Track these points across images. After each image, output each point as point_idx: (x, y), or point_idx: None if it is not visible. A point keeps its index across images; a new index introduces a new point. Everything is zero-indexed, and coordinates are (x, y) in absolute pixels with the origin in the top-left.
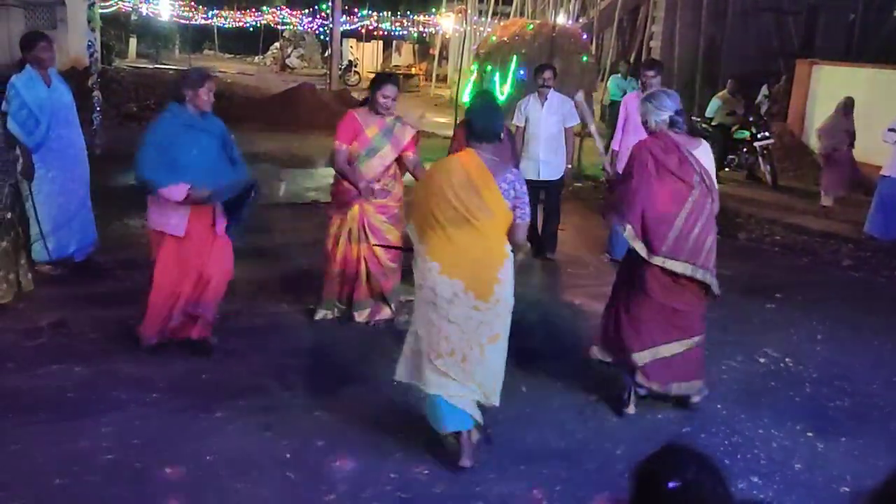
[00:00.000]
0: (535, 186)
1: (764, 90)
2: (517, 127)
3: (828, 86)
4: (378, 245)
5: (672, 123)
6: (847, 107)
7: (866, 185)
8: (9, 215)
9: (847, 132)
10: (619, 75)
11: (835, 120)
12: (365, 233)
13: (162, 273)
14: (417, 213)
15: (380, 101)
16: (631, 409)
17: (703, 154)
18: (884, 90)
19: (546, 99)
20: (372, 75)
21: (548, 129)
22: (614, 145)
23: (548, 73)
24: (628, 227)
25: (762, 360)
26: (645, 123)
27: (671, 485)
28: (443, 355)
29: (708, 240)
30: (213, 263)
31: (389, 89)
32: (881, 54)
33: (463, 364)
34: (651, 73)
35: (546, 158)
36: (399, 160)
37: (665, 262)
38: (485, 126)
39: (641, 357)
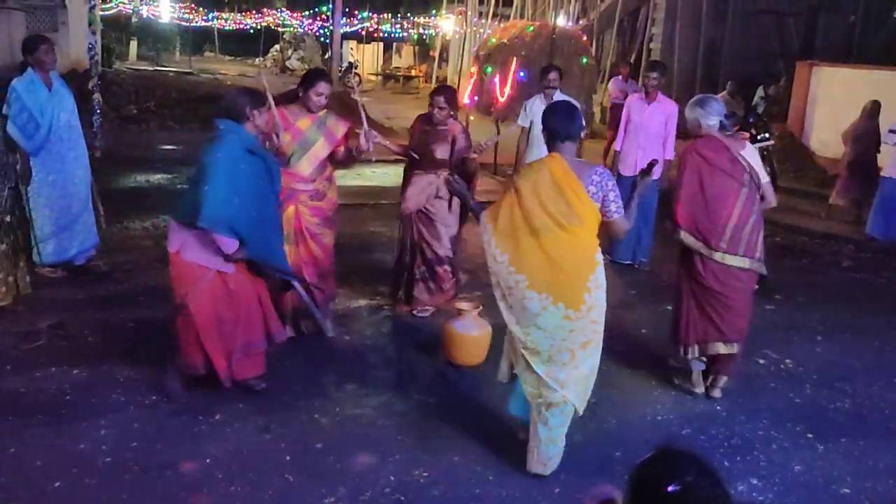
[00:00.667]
0: None
1: (760, 91)
2: (522, 128)
3: (828, 87)
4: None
5: (721, 127)
6: (874, 110)
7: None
8: (8, 218)
9: (873, 137)
10: (620, 77)
11: (863, 124)
12: (303, 235)
13: (204, 313)
14: (504, 221)
15: (313, 99)
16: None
17: (750, 154)
18: (884, 92)
19: (552, 100)
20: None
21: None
22: (616, 146)
23: (553, 75)
24: (682, 233)
25: (762, 362)
26: (697, 127)
27: (670, 488)
28: (533, 355)
29: (759, 234)
30: (263, 294)
31: (323, 86)
32: (881, 56)
33: (550, 366)
34: (654, 74)
35: None
36: (331, 156)
37: (724, 258)
38: (566, 125)
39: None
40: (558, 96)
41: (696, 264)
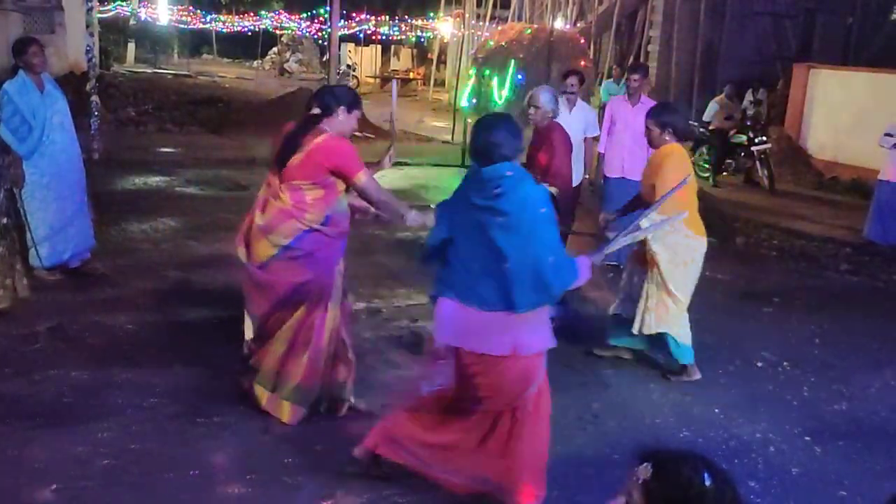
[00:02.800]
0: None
1: (749, 95)
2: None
3: (825, 90)
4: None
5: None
6: None
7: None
8: (3, 221)
9: None
10: (612, 80)
11: None
12: None
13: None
14: (690, 197)
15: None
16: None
17: None
18: (881, 94)
19: (574, 105)
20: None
21: (573, 135)
22: (600, 148)
23: (573, 80)
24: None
25: (760, 364)
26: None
27: (707, 481)
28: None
29: None
30: None
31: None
32: (878, 58)
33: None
34: (636, 76)
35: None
36: None
37: None
38: (688, 126)
39: None
40: (580, 103)
41: None
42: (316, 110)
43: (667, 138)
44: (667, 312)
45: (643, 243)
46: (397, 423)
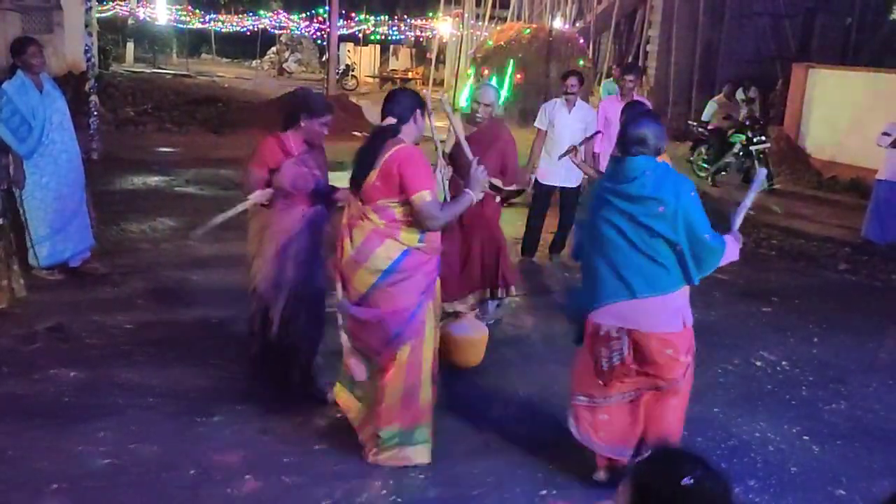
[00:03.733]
0: (550, 191)
1: (740, 94)
2: (538, 130)
3: (823, 89)
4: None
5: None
6: None
7: (863, 189)
8: (1, 221)
9: None
10: (611, 80)
11: None
12: None
13: None
14: None
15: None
16: None
17: None
18: (879, 94)
19: (574, 105)
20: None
21: (572, 135)
22: (596, 148)
23: (573, 80)
24: None
25: (759, 364)
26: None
27: (685, 481)
28: None
29: None
30: None
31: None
32: (877, 58)
33: None
34: (630, 76)
35: (568, 164)
36: None
37: None
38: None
39: None
40: (580, 103)
41: None
42: (391, 120)
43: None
44: None
45: None
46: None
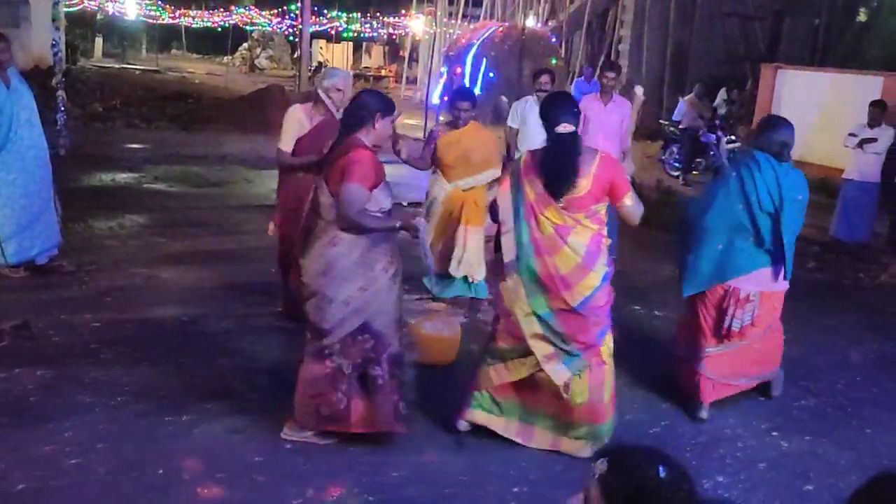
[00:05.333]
0: None
1: (722, 94)
2: (510, 128)
3: (792, 90)
4: None
5: None
6: None
7: (831, 188)
8: None
9: None
10: (583, 79)
11: None
12: None
13: None
14: None
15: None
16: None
17: None
18: (846, 95)
19: None
20: None
21: (543, 133)
22: None
23: (545, 78)
24: None
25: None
26: None
27: (661, 472)
28: None
29: None
30: None
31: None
32: (844, 59)
33: None
34: (612, 74)
35: None
36: None
37: None
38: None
39: None
40: None
41: None
42: (568, 127)
43: None
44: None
45: None
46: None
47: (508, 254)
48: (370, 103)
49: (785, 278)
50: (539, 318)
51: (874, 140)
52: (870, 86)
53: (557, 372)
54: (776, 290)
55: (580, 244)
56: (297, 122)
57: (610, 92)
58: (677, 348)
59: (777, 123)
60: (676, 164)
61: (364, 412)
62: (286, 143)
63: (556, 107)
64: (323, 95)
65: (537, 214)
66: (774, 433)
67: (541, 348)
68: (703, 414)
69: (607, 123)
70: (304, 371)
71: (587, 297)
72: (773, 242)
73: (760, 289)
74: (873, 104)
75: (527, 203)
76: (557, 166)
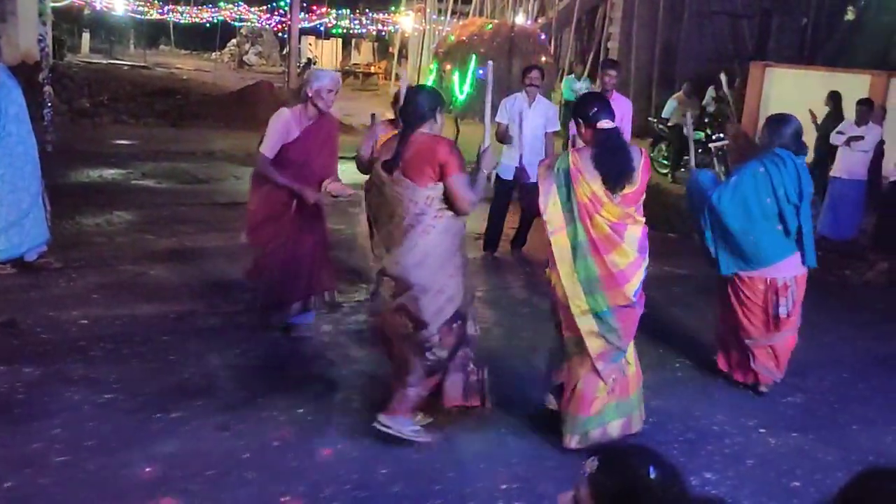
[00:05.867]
0: (511, 186)
1: (711, 92)
2: (499, 124)
3: (780, 88)
4: None
5: None
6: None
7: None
8: None
9: None
10: (573, 76)
11: None
12: None
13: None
14: None
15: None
16: None
17: None
18: None
19: (534, 100)
20: None
21: (533, 130)
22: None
23: (535, 74)
24: None
25: (716, 359)
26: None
27: (651, 472)
28: None
29: None
30: None
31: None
32: (832, 57)
33: None
34: (612, 72)
35: (528, 160)
36: None
37: None
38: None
39: None
40: (540, 98)
41: None
42: (609, 123)
43: None
44: None
45: None
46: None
47: (561, 253)
48: (431, 99)
49: (808, 263)
50: (597, 315)
51: (861, 138)
52: (857, 84)
53: (605, 370)
54: (802, 273)
55: (634, 238)
56: (284, 127)
57: (611, 90)
58: (726, 344)
59: (783, 118)
60: (665, 162)
61: (453, 389)
62: (269, 148)
63: (593, 104)
64: (315, 98)
65: (592, 215)
66: (762, 430)
67: (595, 346)
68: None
69: None
70: (404, 361)
71: (638, 289)
72: (798, 231)
73: (794, 274)
74: (860, 102)
75: (580, 203)
76: (617, 161)
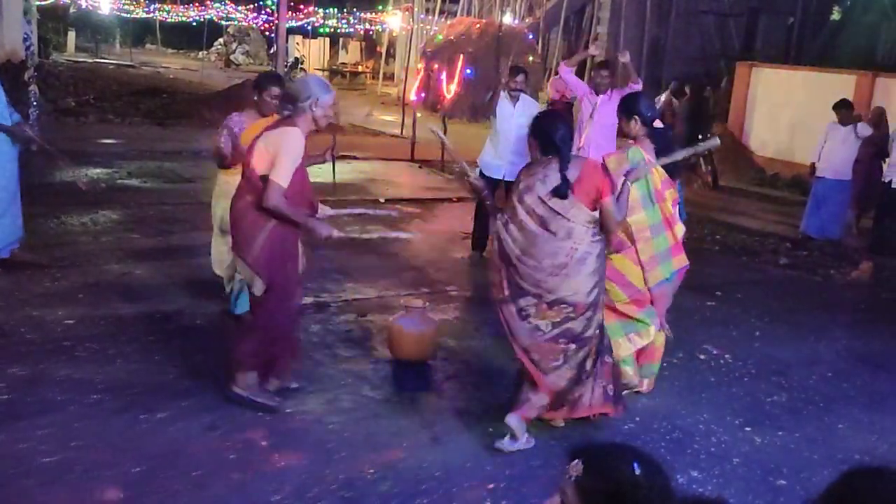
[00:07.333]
0: (494, 184)
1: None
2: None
3: (767, 88)
4: None
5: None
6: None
7: (804, 186)
8: None
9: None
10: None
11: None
12: None
13: None
14: None
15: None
16: None
17: None
18: (820, 93)
19: (518, 101)
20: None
21: (518, 130)
22: (576, 143)
23: (520, 77)
24: None
25: (702, 357)
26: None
27: (636, 469)
28: None
29: None
30: None
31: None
32: (819, 57)
33: None
34: (604, 73)
35: (513, 160)
36: None
37: None
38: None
39: None
40: (524, 98)
41: None
42: (660, 122)
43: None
44: None
45: None
46: None
47: (642, 234)
48: (564, 124)
49: None
50: (666, 280)
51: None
52: (843, 84)
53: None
54: None
55: (676, 216)
56: (301, 150)
57: (606, 90)
58: None
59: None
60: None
61: (591, 396)
62: (284, 177)
63: (647, 105)
64: (319, 113)
65: (663, 198)
66: (747, 428)
67: (663, 304)
68: None
69: (605, 120)
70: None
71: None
72: None
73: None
74: (839, 105)
75: (654, 190)
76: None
